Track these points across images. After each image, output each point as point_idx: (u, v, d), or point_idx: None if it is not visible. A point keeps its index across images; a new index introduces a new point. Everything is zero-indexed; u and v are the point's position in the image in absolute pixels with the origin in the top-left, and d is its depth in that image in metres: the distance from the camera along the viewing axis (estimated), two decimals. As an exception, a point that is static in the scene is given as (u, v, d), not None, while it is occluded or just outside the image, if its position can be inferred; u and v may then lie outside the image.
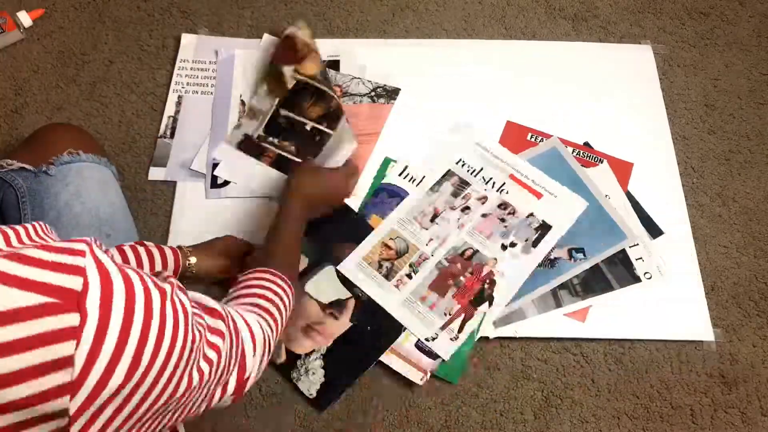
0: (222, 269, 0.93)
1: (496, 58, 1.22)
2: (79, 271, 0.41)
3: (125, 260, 0.79)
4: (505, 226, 1.01)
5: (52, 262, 0.41)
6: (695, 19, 1.30)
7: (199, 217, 1.06)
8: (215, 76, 1.19)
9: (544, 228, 1.01)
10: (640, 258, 1.02)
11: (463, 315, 0.96)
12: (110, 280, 0.42)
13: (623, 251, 1.02)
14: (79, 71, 1.21)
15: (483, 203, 1.03)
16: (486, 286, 0.98)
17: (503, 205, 1.03)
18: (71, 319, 0.39)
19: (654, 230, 1.05)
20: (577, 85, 1.19)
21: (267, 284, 0.75)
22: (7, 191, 0.85)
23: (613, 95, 1.19)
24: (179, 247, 0.89)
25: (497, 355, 0.97)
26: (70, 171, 0.86)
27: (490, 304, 0.97)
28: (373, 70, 1.19)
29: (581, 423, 0.93)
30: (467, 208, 1.03)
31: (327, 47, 1.21)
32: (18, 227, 0.51)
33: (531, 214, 1.02)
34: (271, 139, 1.10)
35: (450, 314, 0.96)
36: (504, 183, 1.05)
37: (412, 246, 1.00)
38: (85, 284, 0.40)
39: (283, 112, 1.11)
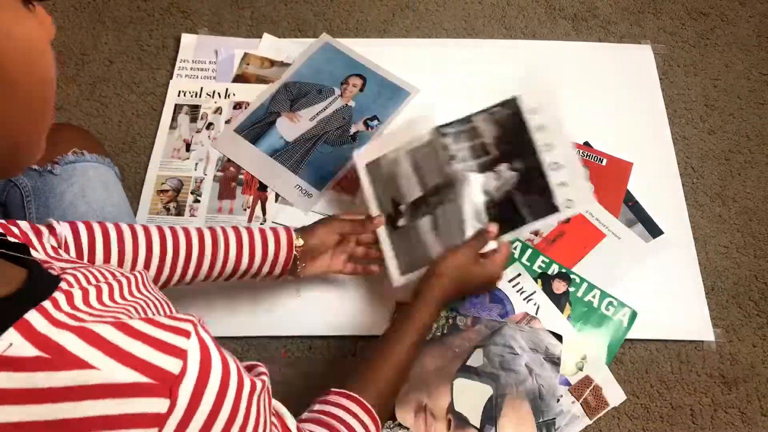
0: (328, 248, 0.89)
1: (496, 58, 1.23)
2: (181, 353, 0.40)
3: (248, 242, 0.81)
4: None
5: (157, 339, 0.40)
6: (695, 19, 1.30)
7: (198, 217, 1.07)
8: (215, 76, 1.19)
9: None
10: (563, 183, 0.89)
11: (259, 201, 1.05)
12: (209, 367, 0.41)
13: (542, 174, 0.89)
14: (79, 71, 1.21)
15: (220, 113, 1.12)
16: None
17: (237, 106, 1.13)
18: (160, 405, 0.38)
19: (654, 230, 1.05)
20: (576, 85, 1.19)
21: (349, 419, 0.66)
22: (11, 190, 0.85)
23: (613, 95, 1.18)
24: (287, 228, 0.86)
25: (497, 355, 0.97)
26: (74, 170, 0.87)
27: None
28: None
29: (581, 423, 0.93)
30: (210, 124, 1.11)
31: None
32: (130, 275, 0.51)
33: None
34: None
35: (248, 207, 1.04)
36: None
37: (183, 178, 1.07)
38: (183, 369, 0.39)
39: None
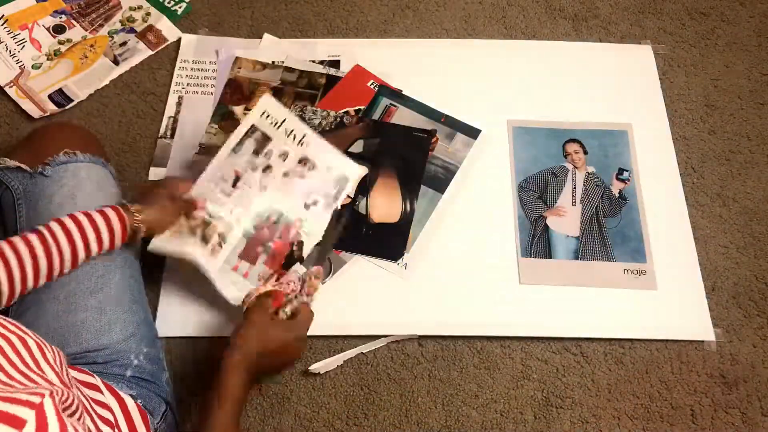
0: (173, 214, 0.88)
1: (496, 58, 1.23)
2: (19, 423, 0.40)
3: (66, 233, 0.74)
4: (307, 185, 1.00)
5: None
6: (695, 19, 1.30)
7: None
8: (215, 76, 1.19)
9: (342, 181, 1.02)
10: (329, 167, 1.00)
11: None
12: None
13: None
14: (79, 71, 1.21)
15: (284, 160, 0.98)
16: (295, 248, 0.98)
17: (303, 161, 1.00)
18: None
19: (473, 132, 1.11)
20: (577, 85, 1.19)
21: None
22: (4, 193, 0.85)
23: (613, 95, 1.19)
24: (122, 205, 0.82)
25: (497, 355, 0.97)
26: (66, 172, 0.85)
27: (302, 262, 0.97)
28: (373, 70, 1.19)
29: (581, 423, 0.93)
30: (269, 167, 0.98)
31: (327, 47, 1.22)
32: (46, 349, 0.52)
33: (330, 168, 1.00)
34: None
35: (264, 279, 0.94)
36: (305, 135, 1.00)
37: (215, 216, 0.94)
38: None
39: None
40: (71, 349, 0.77)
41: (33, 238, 0.72)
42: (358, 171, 1.03)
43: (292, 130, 1.00)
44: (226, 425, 0.70)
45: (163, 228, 0.88)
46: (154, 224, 0.85)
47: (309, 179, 1.00)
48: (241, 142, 0.98)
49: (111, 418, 0.69)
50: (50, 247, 0.73)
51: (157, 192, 0.88)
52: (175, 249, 0.90)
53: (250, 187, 0.97)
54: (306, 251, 0.98)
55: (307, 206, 0.99)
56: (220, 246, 0.93)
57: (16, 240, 0.71)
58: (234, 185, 0.96)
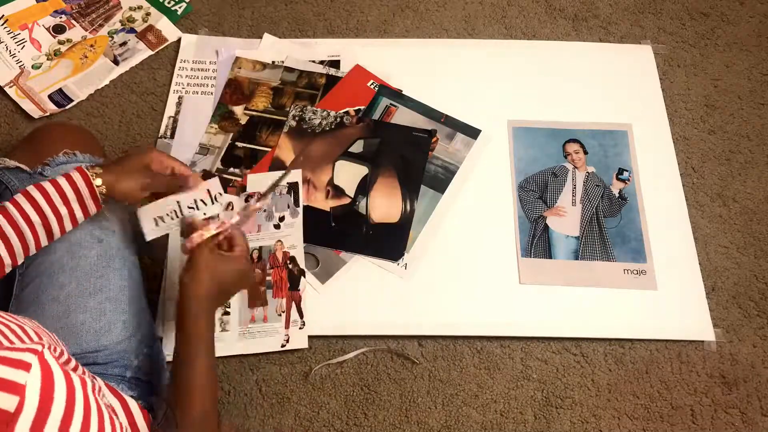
0: (143, 187, 0.81)
1: (497, 58, 1.23)
2: (18, 389, 0.40)
3: (33, 203, 0.73)
4: (265, 210, 1.03)
5: None
6: (695, 19, 1.30)
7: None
8: (215, 76, 1.19)
9: (293, 188, 1.05)
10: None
11: (293, 303, 0.98)
12: (50, 398, 0.42)
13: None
14: (79, 71, 1.21)
15: (231, 208, 0.89)
16: (290, 266, 1.00)
17: (247, 198, 1.04)
18: None
19: (473, 132, 1.11)
20: (577, 85, 1.19)
21: None
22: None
23: (613, 95, 1.19)
24: (87, 168, 0.78)
25: (497, 355, 0.97)
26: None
27: (304, 275, 1.00)
28: (373, 70, 1.19)
29: (581, 423, 0.93)
30: (223, 224, 0.82)
31: (327, 47, 1.22)
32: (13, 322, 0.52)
33: (273, 185, 0.91)
34: (231, 169, 1.09)
35: (283, 311, 0.98)
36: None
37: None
38: (20, 406, 0.40)
39: (240, 144, 1.11)
40: (71, 350, 0.77)
41: None
42: (298, 173, 1.07)
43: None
44: (206, 367, 0.72)
45: (127, 194, 0.81)
46: (119, 195, 0.80)
47: (264, 206, 0.98)
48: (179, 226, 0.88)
49: (114, 419, 0.69)
50: (17, 221, 0.72)
51: (128, 156, 0.82)
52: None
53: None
54: (301, 263, 0.99)
55: (277, 226, 1.02)
56: (227, 314, 0.96)
57: None
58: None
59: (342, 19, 1.28)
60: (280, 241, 1.01)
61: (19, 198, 0.74)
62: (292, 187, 1.06)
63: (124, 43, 1.23)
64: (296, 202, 1.05)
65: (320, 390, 0.95)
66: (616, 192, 1.09)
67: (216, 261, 0.78)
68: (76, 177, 0.77)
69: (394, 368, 0.96)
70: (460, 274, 1.02)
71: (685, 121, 1.18)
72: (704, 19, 1.30)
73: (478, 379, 0.96)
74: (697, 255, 1.04)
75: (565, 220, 1.07)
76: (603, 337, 0.98)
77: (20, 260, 0.75)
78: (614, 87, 1.20)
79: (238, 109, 1.16)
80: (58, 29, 1.24)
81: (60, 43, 1.22)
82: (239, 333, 0.96)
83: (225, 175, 1.08)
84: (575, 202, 1.08)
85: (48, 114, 1.14)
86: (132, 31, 1.25)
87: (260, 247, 1.01)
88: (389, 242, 1.03)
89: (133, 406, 0.74)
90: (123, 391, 0.76)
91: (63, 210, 0.75)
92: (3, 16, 1.24)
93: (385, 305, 0.99)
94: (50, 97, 1.16)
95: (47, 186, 0.75)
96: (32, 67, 1.19)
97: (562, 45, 1.25)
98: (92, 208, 0.79)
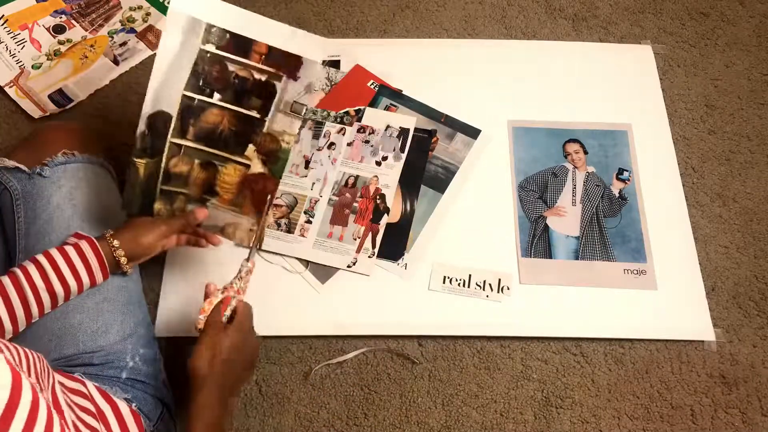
0: (163, 234, 0.84)
1: (496, 58, 1.23)
2: None
3: (42, 274, 0.73)
4: (372, 146, 1.09)
5: None
6: (695, 19, 1.30)
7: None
8: (215, 76, 1.19)
9: (403, 133, 1.10)
10: None
11: (370, 233, 1.03)
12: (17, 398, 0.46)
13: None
14: (79, 71, 1.21)
15: (343, 134, 1.09)
16: (378, 201, 1.05)
17: (362, 129, 1.10)
18: None
19: (473, 132, 1.12)
20: (577, 85, 1.19)
21: None
22: (3, 193, 0.85)
23: (612, 95, 1.19)
24: (103, 236, 0.80)
25: (497, 355, 0.97)
26: (64, 172, 0.86)
27: (388, 213, 1.05)
28: (373, 70, 1.19)
29: (581, 423, 0.93)
30: (332, 144, 1.09)
31: (327, 47, 1.22)
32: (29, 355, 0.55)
33: (388, 126, 1.10)
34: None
35: (359, 237, 1.03)
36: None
37: (299, 196, 1.06)
38: None
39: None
40: (68, 350, 0.77)
41: (6, 281, 0.72)
42: (413, 120, 1.11)
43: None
44: None
45: (145, 251, 0.83)
46: (132, 249, 0.81)
47: (372, 140, 1.09)
48: (297, 134, 1.02)
49: (96, 425, 0.68)
50: (25, 290, 0.72)
51: (147, 235, 0.84)
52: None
53: (321, 164, 1.07)
54: (389, 201, 1.05)
55: (378, 163, 1.08)
56: (309, 222, 1.03)
57: None
58: (306, 167, 1.07)
59: (342, 19, 1.28)
60: (376, 176, 1.07)
61: (34, 276, 0.73)
62: (403, 133, 1.10)
63: (124, 43, 1.23)
64: (402, 148, 1.09)
65: (320, 390, 0.95)
66: (616, 192, 1.09)
67: (217, 336, 0.74)
68: (86, 248, 0.78)
69: (394, 368, 0.96)
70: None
71: (685, 121, 1.18)
72: (704, 19, 1.30)
73: (478, 379, 0.96)
74: (697, 255, 1.04)
75: (565, 220, 1.07)
76: (603, 337, 0.98)
77: (22, 328, 0.74)
78: (614, 87, 1.20)
79: None
80: (58, 29, 1.24)
81: (60, 43, 1.22)
82: (314, 242, 1.03)
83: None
84: (575, 202, 1.08)
85: (48, 114, 1.14)
86: (132, 31, 1.25)
87: (357, 176, 1.07)
88: (389, 242, 1.03)
89: (125, 410, 0.74)
90: (116, 393, 0.75)
91: (72, 283, 0.77)
92: (3, 16, 1.24)
93: (385, 305, 0.99)
94: (50, 97, 1.16)
95: (57, 257, 0.75)
96: (32, 67, 1.19)
97: (562, 45, 1.25)
98: (99, 279, 0.80)
